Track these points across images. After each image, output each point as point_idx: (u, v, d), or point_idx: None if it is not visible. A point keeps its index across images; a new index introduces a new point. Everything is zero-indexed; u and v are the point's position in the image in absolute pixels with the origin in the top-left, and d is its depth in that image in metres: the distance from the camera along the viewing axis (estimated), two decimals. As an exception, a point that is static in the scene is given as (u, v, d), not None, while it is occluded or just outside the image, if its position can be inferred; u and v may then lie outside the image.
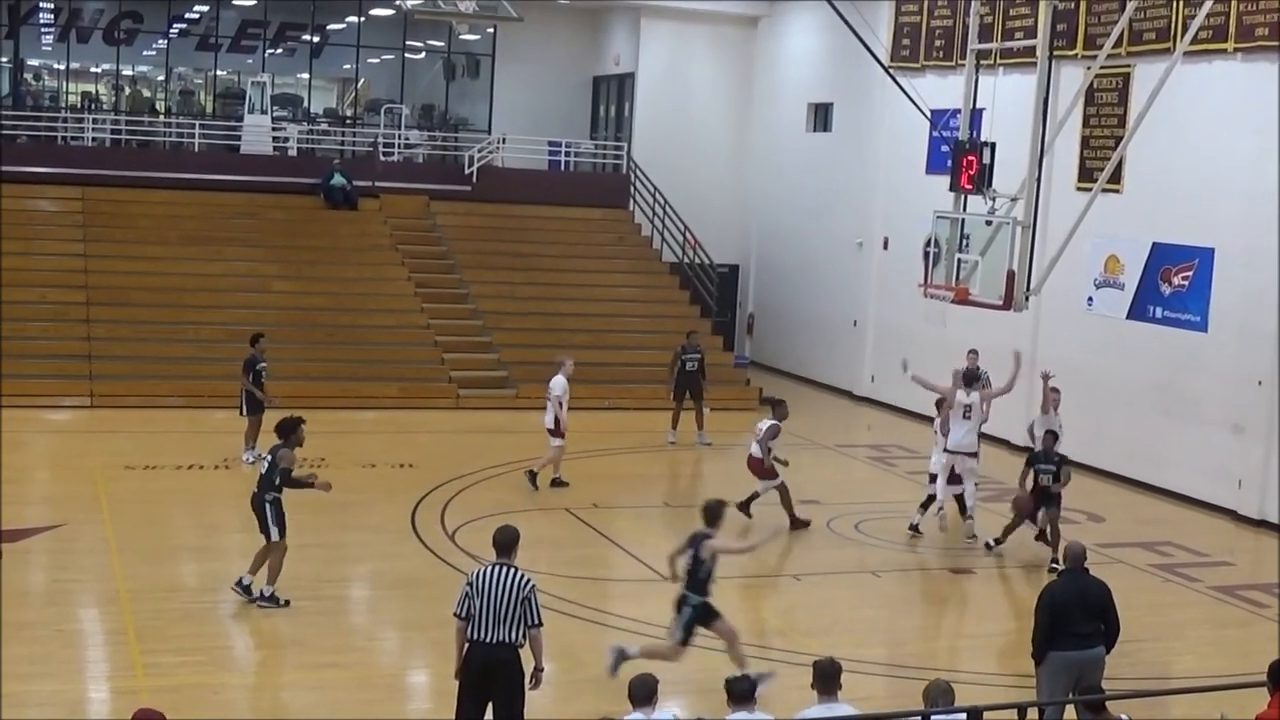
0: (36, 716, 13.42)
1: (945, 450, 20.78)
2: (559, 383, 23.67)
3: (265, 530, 17.09)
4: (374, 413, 29.41)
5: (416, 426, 28.33)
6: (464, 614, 11.94)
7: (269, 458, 17.40)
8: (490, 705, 12.02)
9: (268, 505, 17.11)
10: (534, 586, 11.96)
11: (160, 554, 19.06)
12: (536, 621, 11.94)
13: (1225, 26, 24.23)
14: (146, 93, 43.25)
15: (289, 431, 17.41)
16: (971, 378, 21.43)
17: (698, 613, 14.75)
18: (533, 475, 23.49)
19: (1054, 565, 18.99)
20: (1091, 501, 24.54)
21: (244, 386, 24.00)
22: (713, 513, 15.10)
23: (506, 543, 12.18)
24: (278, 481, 17.08)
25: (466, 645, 11.99)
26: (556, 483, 23.68)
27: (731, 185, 38.71)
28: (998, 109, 22.98)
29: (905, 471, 25.87)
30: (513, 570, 11.97)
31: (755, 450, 21.64)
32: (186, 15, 40.07)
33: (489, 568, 12.00)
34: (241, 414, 24.09)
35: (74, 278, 31.24)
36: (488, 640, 11.86)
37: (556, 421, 23.52)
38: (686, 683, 14.64)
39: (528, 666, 12.07)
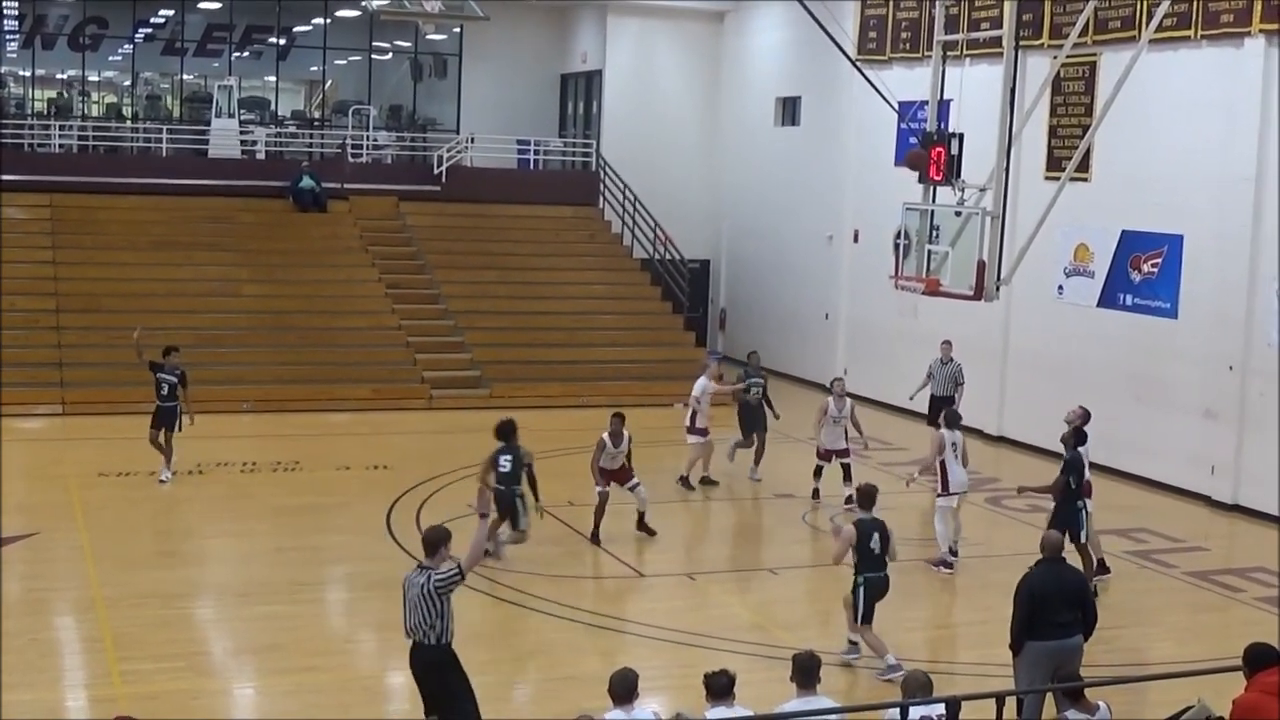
0: (14, 726, 13.39)
1: (951, 493, 20.31)
2: (698, 384, 24.01)
3: (516, 521, 18.74)
4: (347, 415, 29.36)
5: (390, 428, 28.30)
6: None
7: (509, 456, 18.80)
8: (438, 704, 12.13)
9: (518, 500, 18.76)
10: (439, 580, 11.88)
11: (136, 561, 19.00)
12: (446, 588, 11.95)
13: (1190, 14, 24.29)
14: (113, 98, 43.10)
15: (514, 432, 19.11)
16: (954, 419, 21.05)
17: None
18: (684, 479, 23.97)
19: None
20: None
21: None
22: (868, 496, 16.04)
23: (429, 543, 12.23)
24: (522, 475, 18.81)
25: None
26: (706, 481, 24.05)
27: (701, 181, 38.73)
28: (965, 100, 23.03)
29: (879, 463, 25.88)
30: (428, 573, 11.97)
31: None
32: (152, 20, 39.95)
33: (412, 570, 12.12)
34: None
35: (43, 285, 31.12)
36: (413, 641, 12.07)
37: (693, 420, 23.92)
38: (666, 678, 14.65)
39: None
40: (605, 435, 20.52)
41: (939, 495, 19.97)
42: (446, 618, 11.98)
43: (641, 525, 20.82)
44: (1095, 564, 18.87)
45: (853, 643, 15.81)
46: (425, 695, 12.22)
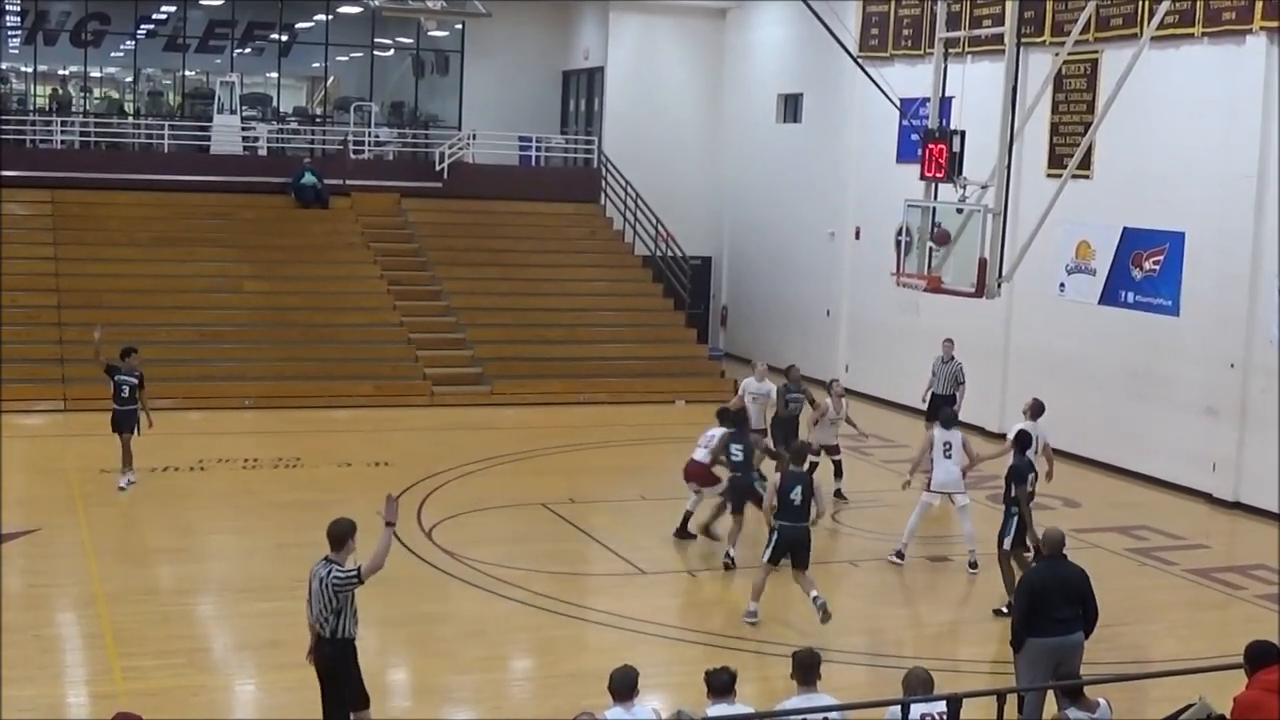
0: (15, 722, 13.40)
1: (932, 490, 19.91)
2: (744, 383, 23.66)
3: (741, 509, 18.95)
4: (348, 411, 29.37)
5: (391, 424, 28.30)
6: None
7: (741, 445, 19.08)
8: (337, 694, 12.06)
9: (758, 485, 18.77)
10: (336, 578, 11.79)
11: (137, 557, 19.02)
12: (351, 583, 11.84)
13: (1192, 11, 24.29)
14: (115, 94, 43.11)
15: (746, 419, 19.98)
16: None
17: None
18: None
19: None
20: (1067, 487, 24.58)
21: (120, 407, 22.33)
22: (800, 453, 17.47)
23: (333, 537, 12.10)
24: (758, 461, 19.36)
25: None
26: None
27: (703, 178, 38.72)
28: (967, 97, 23.01)
29: (881, 461, 25.89)
30: (331, 567, 11.90)
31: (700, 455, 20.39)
32: (154, 16, 39.94)
33: (318, 562, 12.02)
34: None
35: (45, 281, 31.12)
36: (319, 634, 11.96)
37: None
38: (667, 675, 14.66)
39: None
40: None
41: (924, 489, 19.98)
42: (344, 615, 11.88)
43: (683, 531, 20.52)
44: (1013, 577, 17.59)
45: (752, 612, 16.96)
46: (322, 686, 12.09)
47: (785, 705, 10.98)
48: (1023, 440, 18.32)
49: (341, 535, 12.05)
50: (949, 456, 19.60)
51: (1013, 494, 17.77)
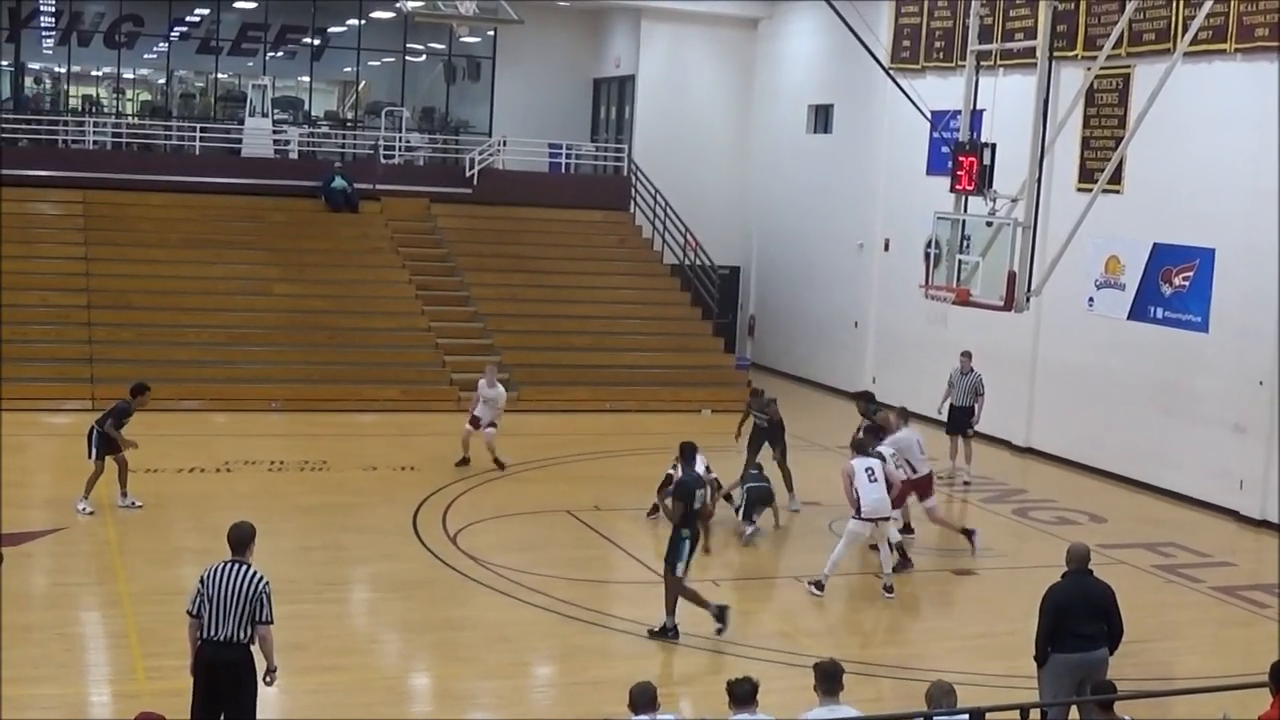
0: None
1: (864, 518, 18.75)
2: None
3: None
4: (375, 415, 29.40)
5: (418, 429, 28.33)
6: (195, 611, 11.85)
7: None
8: (225, 705, 11.84)
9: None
10: (267, 584, 11.76)
11: (162, 557, 19.05)
12: (267, 619, 11.73)
13: (1225, 27, 24.23)
14: (147, 95, 43.27)
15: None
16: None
17: None
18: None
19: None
20: (1093, 502, 24.55)
21: (109, 433, 20.93)
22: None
23: (239, 540, 12.00)
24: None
25: (199, 642, 11.89)
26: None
27: (732, 187, 38.72)
28: (998, 110, 22.97)
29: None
30: (245, 568, 11.81)
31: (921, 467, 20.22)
32: (187, 18, 40.07)
33: (221, 565, 11.85)
34: (91, 459, 20.98)
35: (75, 281, 31.25)
36: (216, 638, 11.75)
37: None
38: (690, 684, 14.64)
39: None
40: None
41: (852, 517, 18.87)
42: (258, 615, 11.76)
43: None
44: (699, 602, 16.86)
45: None
46: (206, 693, 11.88)
47: (808, 716, 10.95)
48: (687, 451, 17.94)
49: (242, 540, 12.02)
50: (874, 481, 18.70)
51: (687, 510, 16.76)
